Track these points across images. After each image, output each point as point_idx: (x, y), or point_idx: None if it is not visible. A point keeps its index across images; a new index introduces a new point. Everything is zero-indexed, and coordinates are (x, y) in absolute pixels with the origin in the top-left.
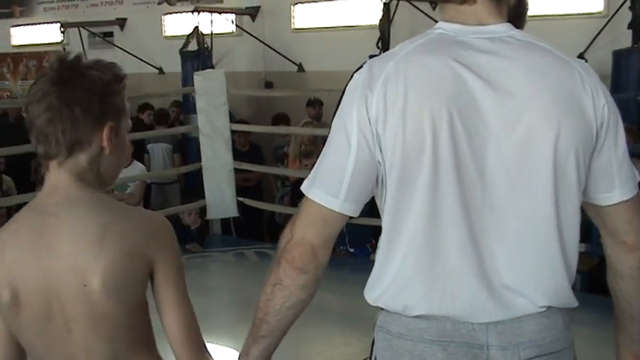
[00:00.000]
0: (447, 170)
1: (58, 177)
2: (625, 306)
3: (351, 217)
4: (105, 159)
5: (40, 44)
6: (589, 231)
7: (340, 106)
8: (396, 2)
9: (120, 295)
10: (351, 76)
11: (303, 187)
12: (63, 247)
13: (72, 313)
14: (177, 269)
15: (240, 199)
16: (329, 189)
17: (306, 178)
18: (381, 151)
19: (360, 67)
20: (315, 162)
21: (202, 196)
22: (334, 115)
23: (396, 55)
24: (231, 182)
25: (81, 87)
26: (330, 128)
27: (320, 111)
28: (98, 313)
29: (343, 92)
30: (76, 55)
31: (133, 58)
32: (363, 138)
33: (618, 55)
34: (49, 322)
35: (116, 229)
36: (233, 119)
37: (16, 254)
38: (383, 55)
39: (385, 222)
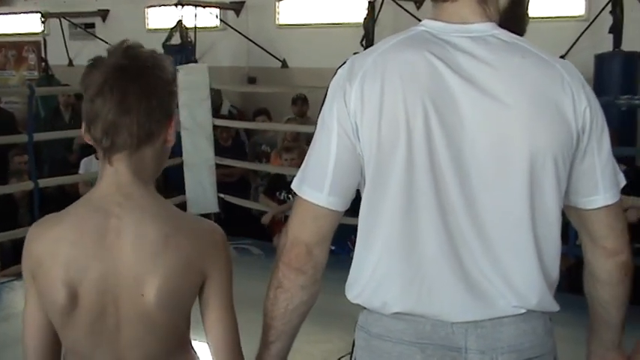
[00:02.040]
0: (421, 166)
1: (119, 173)
2: (601, 312)
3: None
4: (165, 152)
5: (20, 34)
6: (565, 232)
7: (324, 101)
8: (380, 1)
9: (174, 307)
10: (335, 72)
11: (294, 186)
12: (125, 254)
13: (125, 316)
14: (228, 284)
15: (222, 195)
16: (315, 184)
17: (285, 173)
18: (360, 143)
19: (344, 62)
20: (294, 157)
21: (183, 191)
22: (319, 112)
23: (376, 50)
24: (212, 178)
25: (155, 77)
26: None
27: (303, 108)
28: (150, 319)
29: (328, 87)
30: (136, 43)
31: None
32: (343, 131)
33: (600, 59)
34: (101, 323)
35: (175, 241)
36: (232, 114)
37: (75, 253)
38: (365, 50)
39: (361, 216)
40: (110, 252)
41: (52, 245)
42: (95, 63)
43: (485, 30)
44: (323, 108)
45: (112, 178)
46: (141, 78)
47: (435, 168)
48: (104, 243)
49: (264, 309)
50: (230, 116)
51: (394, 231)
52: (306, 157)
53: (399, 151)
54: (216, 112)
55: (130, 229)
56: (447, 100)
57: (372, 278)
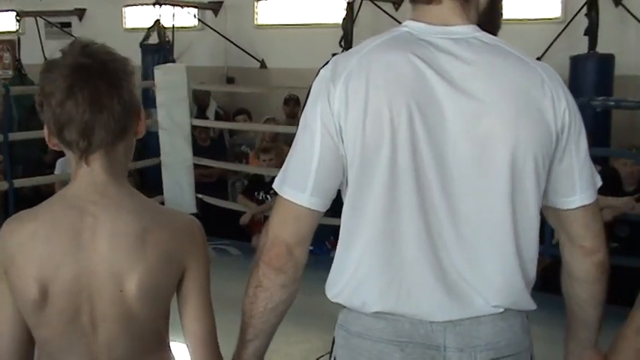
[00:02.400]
0: (404, 166)
1: (94, 172)
2: (578, 311)
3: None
4: (132, 146)
5: None
6: (541, 231)
7: (306, 102)
8: (359, 2)
9: (154, 301)
10: (317, 72)
11: (275, 186)
12: (101, 251)
13: (102, 314)
14: (206, 276)
15: (200, 195)
16: (297, 185)
17: (264, 174)
18: (343, 144)
19: (327, 63)
20: (272, 158)
21: (160, 191)
22: (301, 112)
23: (360, 51)
24: (190, 178)
25: (120, 71)
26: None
27: (295, 109)
28: (129, 316)
29: (310, 88)
30: (90, 40)
31: None
32: (327, 132)
33: (575, 61)
34: (75, 322)
35: (154, 235)
36: (219, 115)
37: (49, 250)
38: (349, 51)
39: (344, 216)
40: (85, 251)
41: (26, 241)
42: (52, 66)
43: (467, 32)
44: (305, 108)
45: (88, 177)
46: (106, 74)
47: (418, 168)
48: (79, 242)
49: (242, 307)
50: (217, 117)
51: (376, 231)
52: (287, 157)
53: (383, 151)
54: (203, 113)
55: (106, 226)
56: (430, 100)
57: (353, 277)
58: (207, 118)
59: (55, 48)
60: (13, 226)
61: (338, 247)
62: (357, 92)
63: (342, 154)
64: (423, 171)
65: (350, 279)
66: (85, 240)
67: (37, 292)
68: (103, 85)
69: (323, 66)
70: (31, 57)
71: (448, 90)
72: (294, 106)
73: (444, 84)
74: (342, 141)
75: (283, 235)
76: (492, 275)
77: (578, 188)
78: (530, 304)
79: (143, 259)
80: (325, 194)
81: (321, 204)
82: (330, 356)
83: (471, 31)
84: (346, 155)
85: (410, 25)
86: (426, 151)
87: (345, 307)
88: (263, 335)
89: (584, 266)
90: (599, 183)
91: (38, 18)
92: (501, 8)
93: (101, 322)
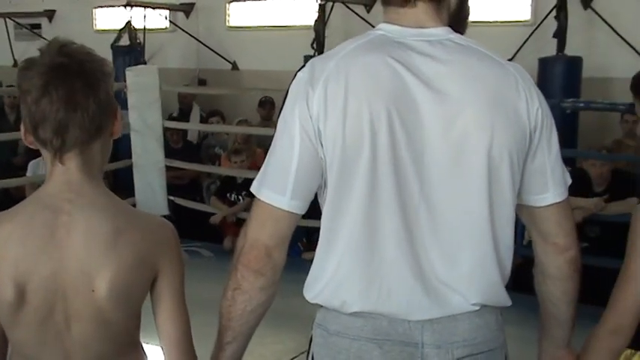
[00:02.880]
0: (384, 168)
1: (69, 171)
2: (551, 308)
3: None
4: (109, 146)
5: None
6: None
7: (284, 105)
8: (331, 4)
9: (125, 302)
10: (294, 75)
11: (253, 188)
12: (75, 249)
13: (75, 313)
14: (180, 278)
15: (171, 197)
16: (276, 188)
17: (236, 176)
18: (322, 147)
19: (303, 66)
20: (243, 159)
21: (132, 193)
22: (278, 115)
23: (337, 54)
24: (162, 180)
25: (97, 71)
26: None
27: (270, 112)
28: (102, 315)
29: (288, 91)
30: (68, 40)
31: None
32: (306, 135)
33: (544, 63)
34: (49, 320)
35: (127, 236)
36: (203, 117)
37: (25, 249)
38: (324, 54)
39: (324, 218)
40: (60, 249)
41: (2, 242)
42: (29, 65)
43: (441, 34)
44: (283, 111)
45: (63, 176)
46: (83, 73)
47: (397, 170)
48: (54, 240)
49: (220, 310)
50: (202, 120)
51: (356, 232)
52: (265, 160)
53: (363, 154)
54: (184, 115)
55: (81, 225)
56: (408, 102)
57: (333, 279)
58: (188, 121)
59: (24, 49)
60: None
61: (318, 248)
62: (337, 95)
63: (320, 157)
64: (403, 172)
65: (329, 280)
66: (59, 238)
67: (13, 291)
68: (79, 84)
69: (300, 69)
70: (0, 58)
71: (425, 91)
72: (270, 109)
73: (421, 85)
74: (321, 144)
75: (262, 238)
76: (471, 273)
77: (550, 186)
78: (506, 301)
79: (115, 259)
80: (304, 197)
81: (300, 207)
82: (308, 355)
83: (444, 33)
84: (325, 158)
85: (384, 28)
86: (405, 153)
87: (322, 306)
88: (241, 337)
89: (557, 263)
90: (569, 181)
91: (7, 19)
92: (468, 10)
93: (75, 322)
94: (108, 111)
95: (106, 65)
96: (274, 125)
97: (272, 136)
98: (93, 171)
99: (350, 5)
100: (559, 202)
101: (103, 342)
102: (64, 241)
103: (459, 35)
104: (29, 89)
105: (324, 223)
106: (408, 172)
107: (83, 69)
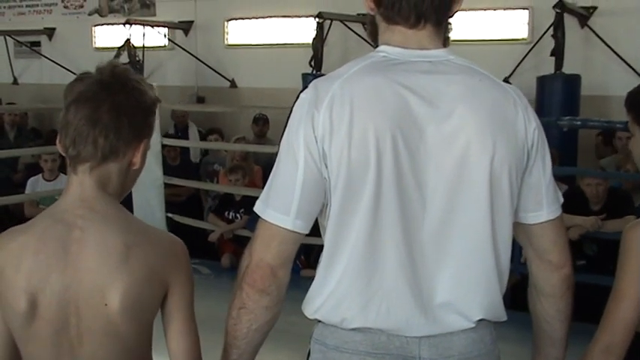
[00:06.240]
0: (389, 189)
1: (84, 185)
2: (545, 326)
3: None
4: (131, 173)
5: None
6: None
7: (287, 125)
8: (329, 22)
9: (137, 316)
10: (297, 96)
11: (257, 209)
12: (88, 264)
13: (88, 327)
14: (190, 295)
15: (169, 214)
16: (280, 208)
17: (234, 193)
18: (327, 168)
19: (305, 87)
20: (239, 178)
21: (131, 211)
22: (281, 135)
23: (341, 76)
24: (160, 197)
25: (133, 98)
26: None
27: (264, 129)
28: (114, 330)
29: (291, 111)
30: (125, 65)
31: (61, 68)
32: (310, 156)
33: (542, 81)
34: (62, 335)
35: (139, 251)
36: (202, 134)
37: (37, 263)
38: (328, 75)
39: (327, 238)
40: (73, 263)
41: (15, 255)
42: (81, 77)
43: (442, 55)
44: (287, 132)
45: (77, 190)
46: (117, 95)
47: (401, 191)
48: (67, 254)
49: (226, 328)
50: (201, 138)
51: (358, 252)
52: (269, 180)
53: (369, 175)
54: (181, 133)
55: (93, 240)
56: (412, 124)
57: (332, 296)
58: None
59: (24, 67)
60: (3, 240)
61: (320, 265)
62: (342, 117)
63: (324, 178)
64: (407, 193)
65: (329, 297)
66: (72, 253)
67: (26, 304)
68: (107, 103)
69: (302, 90)
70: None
71: (428, 111)
72: (263, 125)
73: (424, 105)
74: (326, 165)
75: (267, 258)
76: (475, 289)
77: (544, 203)
78: (503, 315)
79: (127, 274)
80: (308, 217)
81: (304, 226)
82: None
83: (445, 54)
84: (329, 179)
85: (387, 50)
86: (409, 173)
87: (320, 321)
88: (246, 355)
89: (552, 281)
90: (562, 199)
91: (7, 37)
92: (449, 32)
93: (87, 336)
94: (129, 139)
95: (145, 97)
96: (268, 142)
97: (268, 153)
98: (108, 189)
99: (348, 23)
100: (553, 220)
101: (115, 357)
102: (76, 256)
103: (457, 56)
104: (67, 96)
105: (327, 241)
106: (411, 193)
107: (119, 91)
